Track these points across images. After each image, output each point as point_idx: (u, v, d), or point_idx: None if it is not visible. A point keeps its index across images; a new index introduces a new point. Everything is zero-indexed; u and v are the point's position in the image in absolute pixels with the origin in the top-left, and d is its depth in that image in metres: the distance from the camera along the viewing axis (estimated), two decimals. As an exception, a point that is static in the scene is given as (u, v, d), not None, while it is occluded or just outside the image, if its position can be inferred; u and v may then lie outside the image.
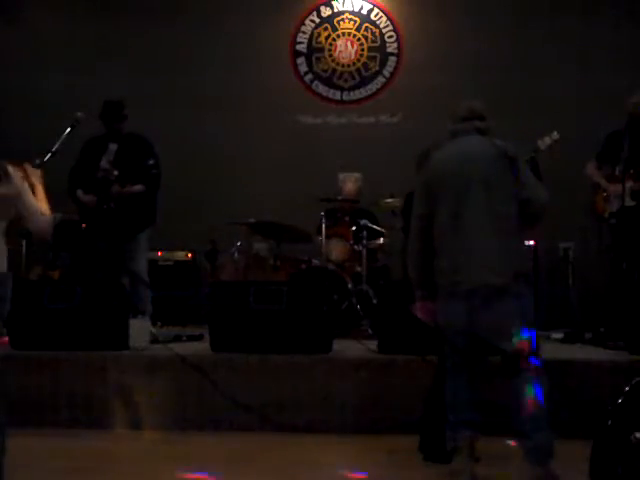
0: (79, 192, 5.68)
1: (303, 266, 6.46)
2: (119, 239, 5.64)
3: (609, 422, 2.61)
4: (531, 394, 3.49)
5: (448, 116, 3.86)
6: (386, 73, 8.21)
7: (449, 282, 3.62)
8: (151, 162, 5.69)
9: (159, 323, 6.35)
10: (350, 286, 6.20)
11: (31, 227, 3.62)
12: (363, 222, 6.54)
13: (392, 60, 8.21)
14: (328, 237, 6.50)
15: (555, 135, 5.46)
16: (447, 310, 3.64)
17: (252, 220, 6.55)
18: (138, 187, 5.62)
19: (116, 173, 5.65)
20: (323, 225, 6.46)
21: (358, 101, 8.24)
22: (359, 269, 6.48)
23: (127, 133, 5.82)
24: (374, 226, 6.67)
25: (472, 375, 3.66)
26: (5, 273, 3.46)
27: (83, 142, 5.75)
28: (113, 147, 5.76)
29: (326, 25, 8.27)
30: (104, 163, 5.69)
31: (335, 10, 8.27)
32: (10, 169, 3.52)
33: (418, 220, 3.74)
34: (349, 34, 8.25)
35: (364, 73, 8.24)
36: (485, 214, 3.56)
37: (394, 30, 8.20)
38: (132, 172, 5.61)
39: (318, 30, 8.28)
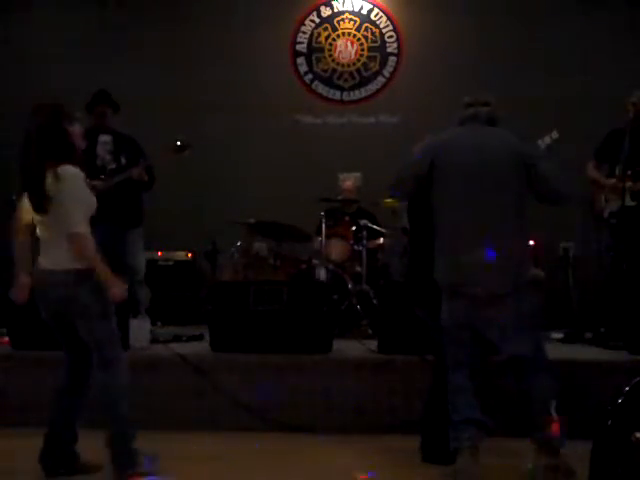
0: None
1: (303, 266, 6.46)
2: (121, 228, 5.62)
3: (609, 422, 2.61)
4: (541, 390, 3.51)
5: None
6: (386, 73, 8.21)
7: (451, 282, 3.62)
8: (149, 161, 5.67)
9: (159, 323, 6.36)
10: (350, 286, 6.20)
11: None
12: (363, 222, 6.55)
13: (392, 60, 8.21)
14: (328, 237, 6.50)
15: (555, 134, 5.45)
16: (449, 306, 3.65)
17: (252, 220, 6.55)
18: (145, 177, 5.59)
19: (124, 160, 5.64)
20: (323, 225, 6.46)
21: (358, 101, 8.24)
22: (359, 269, 6.48)
23: (116, 130, 5.83)
24: (374, 226, 6.67)
25: (474, 373, 3.66)
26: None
27: None
28: (107, 138, 5.75)
29: (326, 25, 8.27)
30: (102, 152, 5.69)
31: (335, 10, 8.27)
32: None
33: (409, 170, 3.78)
34: (349, 34, 8.25)
35: (364, 73, 8.24)
36: (493, 214, 3.55)
37: (394, 30, 8.20)
38: (133, 164, 5.59)
39: (318, 30, 8.28)
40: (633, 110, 5.46)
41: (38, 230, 3.65)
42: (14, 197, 5.62)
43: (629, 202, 5.40)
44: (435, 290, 3.75)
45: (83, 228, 3.49)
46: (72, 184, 3.51)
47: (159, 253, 7.33)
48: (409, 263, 4.34)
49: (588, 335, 5.80)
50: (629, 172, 5.38)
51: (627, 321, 5.22)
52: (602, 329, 5.56)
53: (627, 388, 2.66)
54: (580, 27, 7.77)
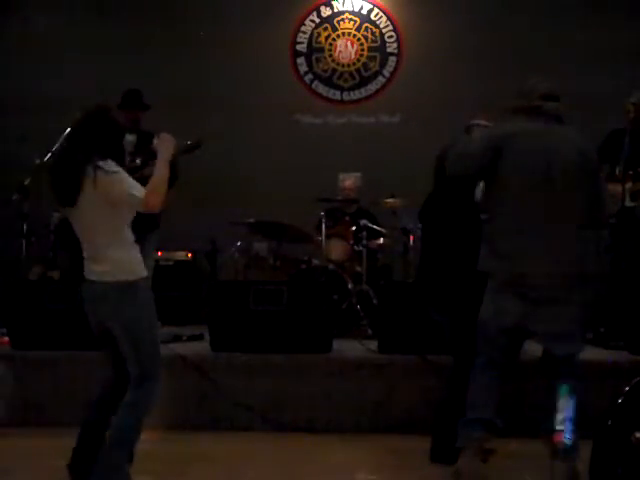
0: None
1: (303, 266, 6.46)
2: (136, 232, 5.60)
3: (609, 422, 2.61)
4: (569, 396, 3.49)
5: (515, 94, 3.83)
6: (386, 73, 8.21)
7: (509, 272, 3.51)
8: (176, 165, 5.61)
9: (159, 323, 6.34)
10: (350, 286, 6.20)
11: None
12: (363, 222, 6.55)
13: (392, 60, 8.21)
14: (328, 237, 6.49)
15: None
16: (499, 304, 3.54)
17: (252, 220, 6.55)
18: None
19: (138, 162, 5.58)
20: (323, 225, 6.45)
21: (358, 101, 8.24)
22: (359, 269, 6.48)
23: (145, 129, 5.79)
24: (374, 226, 6.67)
25: (504, 375, 3.62)
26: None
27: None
28: (131, 138, 5.71)
29: (326, 25, 8.27)
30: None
31: (335, 10, 8.27)
32: None
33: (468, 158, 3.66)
34: (349, 34, 8.25)
35: (364, 73, 8.24)
36: (565, 215, 3.49)
37: (394, 30, 8.20)
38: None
39: (318, 30, 8.28)
40: (633, 110, 5.46)
41: (83, 236, 3.46)
42: (14, 197, 5.65)
43: (629, 203, 5.40)
44: (451, 290, 3.71)
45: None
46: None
47: (159, 253, 7.32)
48: (420, 263, 4.28)
49: (588, 335, 5.80)
50: (630, 172, 5.37)
51: (627, 321, 5.22)
52: (602, 329, 5.56)
53: (627, 388, 2.66)
54: (580, 27, 7.76)
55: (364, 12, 8.24)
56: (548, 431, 3.48)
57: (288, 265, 6.55)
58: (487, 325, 3.59)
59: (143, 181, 4.79)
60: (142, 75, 7.88)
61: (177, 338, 5.66)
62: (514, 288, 3.50)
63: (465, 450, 3.55)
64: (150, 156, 5.54)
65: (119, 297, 3.35)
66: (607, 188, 3.70)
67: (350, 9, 8.25)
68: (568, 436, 3.39)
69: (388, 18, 8.20)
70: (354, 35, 8.25)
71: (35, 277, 6.70)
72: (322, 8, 8.27)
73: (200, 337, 5.75)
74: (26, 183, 5.51)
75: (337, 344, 5.14)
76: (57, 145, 5.61)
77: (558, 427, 3.43)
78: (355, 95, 8.24)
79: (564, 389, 3.49)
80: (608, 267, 3.82)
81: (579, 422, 3.44)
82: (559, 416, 3.45)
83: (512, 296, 3.51)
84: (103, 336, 3.50)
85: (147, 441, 3.64)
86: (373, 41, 8.23)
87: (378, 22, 8.22)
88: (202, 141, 4.72)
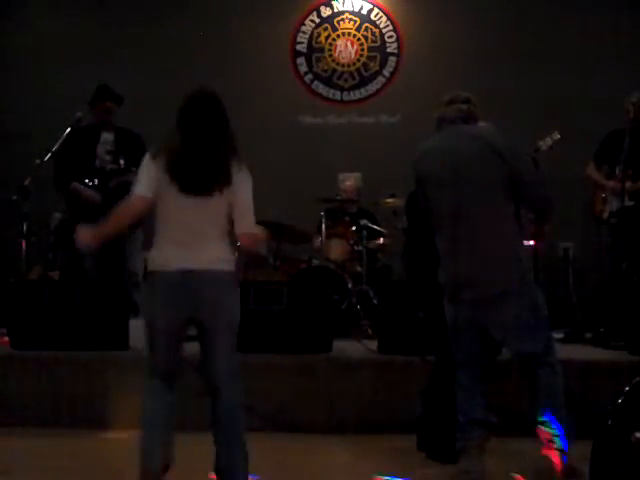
0: (75, 184, 5.60)
1: (303, 266, 6.46)
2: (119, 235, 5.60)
3: (609, 422, 2.61)
4: (550, 387, 3.51)
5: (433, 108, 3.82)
6: (386, 73, 8.21)
7: (452, 291, 3.61)
8: None
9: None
10: (350, 286, 6.20)
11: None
12: (363, 222, 6.55)
13: (392, 60, 8.21)
14: (328, 237, 6.50)
15: (556, 135, 5.47)
16: (454, 311, 3.64)
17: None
18: None
19: (122, 162, 5.57)
20: (323, 225, 6.46)
21: (358, 101, 8.24)
22: (359, 269, 6.48)
23: (120, 126, 5.79)
24: (374, 226, 6.68)
25: (483, 373, 3.64)
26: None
27: (68, 132, 5.58)
28: (108, 137, 5.70)
29: (326, 25, 8.27)
30: (101, 152, 5.64)
31: (335, 10, 8.27)
32: None
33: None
34: (349, 34, 8.25)
35: (364, 73, 8.24)
36: (481, 217, 3.50)
37: (394, 30, 8.20)
38: (134, 165, 5.56)
39: (318, 30, 8.27)
40: (633, 110, 5.46)
41: (189, 221, 3.27)
42: (14, 197, 5.65)
43: (628, 202, 5.40)
44: (435, 290, 3.74)
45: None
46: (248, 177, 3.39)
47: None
48: (407, 264, 4.34)
49: (588, 335, 5.80)
50: (630, 172, 5.38)
51: (627, 321, 5.22)
52: (602, 329, 5.56)
53: (627, 388, 2.66)
54: (580, 27, 7.77)
55: (364, 12, 8.24)
56: (537, 423, 3.51)
57: (288, 265, 6.55)
58: (450, 327, 3.67)
59: (127, 186, 4.60)
60: (142, 75, 7.90)
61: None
62: (459, 298, 3.58)
63: (465, 451, 3.56)
64: (132, 156, 5.52)
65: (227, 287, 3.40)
66: (539, 174, 3.68)
67: (350, 9, 8.25)
68: (553, 427, 3.41)
69: (388, 18, 8.21)
70: (354, 35, 8.25)
71: (35, 277, 6.71)
72: (322, 8, 8.27)
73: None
74: (26, 183, 5.51)
75: (337, 344, 5.14)
76: (57, 145, 5.63)
77: (542, 419, 3.45)
78: (355, 95, 8.24)
79: (540, 380, 3.51)
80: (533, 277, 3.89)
81: (567, 413, 3.46)
82: (543, 406, 3.47)
83: (459, 304, 3.58)
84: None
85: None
86: (373, 41, 8.23)
87: (378, 22, 8.22)
88: None
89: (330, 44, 8.26)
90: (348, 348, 5.23)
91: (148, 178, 3.29)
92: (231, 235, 3.38)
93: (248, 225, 3.34)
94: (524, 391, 3.68)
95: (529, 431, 3.60)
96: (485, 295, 3.50)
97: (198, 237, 3.27)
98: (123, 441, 4.55)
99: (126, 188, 5.45)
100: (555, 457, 3.43)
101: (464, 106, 3.71)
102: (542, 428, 3.47)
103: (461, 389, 3.63)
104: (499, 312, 3.50)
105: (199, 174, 3.26)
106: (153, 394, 3.40)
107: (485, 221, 3.50)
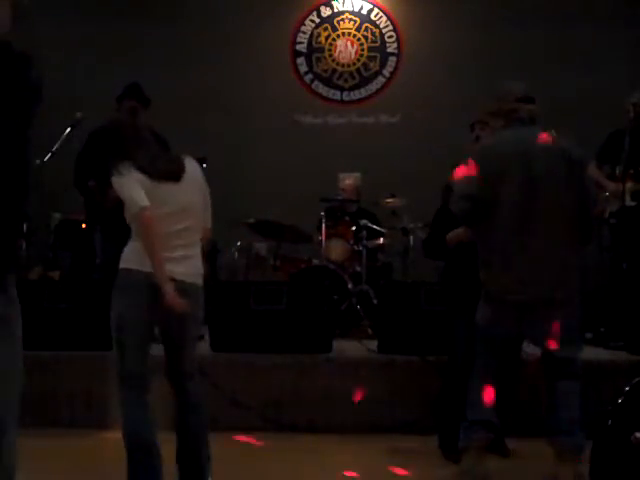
0: (92, 183, 5.57)
1: (303, 266, 6.46)
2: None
3: (609, 422, 2.61)
4: (572, 396, 3.50)
5: (494, 98, 3.73)
6: (386, 73, 8.21)
7: (500, 290, 3.54)
8: None
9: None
10: (350, 286, 6.20)
11: None
12: (363, 222, 6.54)
13: (392, 60, 8.21)
14: (328, 237, 6.50)
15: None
16: (493, 313, 3.57)
17: (252, 220, 6.55)
18: None
19: None
20: (323, 225, 6.46)
21: (358, 101, 8.24)
22: (359, 269, 6.48)
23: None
24: (374, 226, 6.67)
25: (501, 377, 3.62)
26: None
27: (90, 131, 5.60)
28: None
29: (326, 25, 8.27)
30: None
31: (335, 10, 8.27)
32: None
33: (463, 201, 3.62)
34: (349, 34, 8.25)
35: (364, 73, 8.24)
36: (551, 221, 3.48)
37: (394, 30, 8.20)
38: None
39: (318, 30, 8.27)
40: (633, 110, 5.46)
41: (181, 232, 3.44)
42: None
43: (629, 202, 5.40)
44: (471, 292, 3.72)
45: None
46: None
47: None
48: (445, 265, 4.34)
49: (588, 335, 5.80)
50: (631, 172, 5.37)
51: (627, 321, 5.22)
52: (602, 329, 5.56)
53: (627, 388, 2.66)
54: (580, 27, 7.76)
55: (364, 12, 8.24)
56: (553, 432, 3.48)
57: (288, 265, 6.55)
58: (483, 330, 3.62)
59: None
60: (142, 75, 7.87)
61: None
62: (503, 297, 3.53)
63: (468, 450, 3.56)
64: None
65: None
66: (594, 190, 3.68)
67: (350, 9, 8.25)
68: (574, 437, 3.39)
69: (388, 18, 8.21)
70: (354, 35, 8.25)
71: (35, 277, 6.70)
72: (322, 8, 8.27)
73: (200, 337, 5.74)
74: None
75: (337, 344, 5.15)
76: (57, 145, 5.62)
77: (564, 428, 3.43)
78: (355, 95, 8.24)
79: (566, 389, 3.50)
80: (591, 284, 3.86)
81: (582, 423, 3.45)
82: (564, 417, 3.45)
83: (503, 304, 3.53)
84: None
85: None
86: (373, 41, 8.23)
87: (378, 22, 8.22)
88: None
89: (330, 44, 8.26)
90: (348, 348, 5.23)
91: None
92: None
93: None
94: (526, 393, 3.69)
95: (529, 432, 3.60)
96: (539, 297, 3.46)
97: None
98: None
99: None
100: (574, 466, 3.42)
101: (535, 107, 3.69)
102: (561, 437, 3.46)
103: (478, 388, 3.59)
104: (546, 318, 3.46)
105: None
106: (136, 405, 3.47)
107: (559, 224, 3.50)
